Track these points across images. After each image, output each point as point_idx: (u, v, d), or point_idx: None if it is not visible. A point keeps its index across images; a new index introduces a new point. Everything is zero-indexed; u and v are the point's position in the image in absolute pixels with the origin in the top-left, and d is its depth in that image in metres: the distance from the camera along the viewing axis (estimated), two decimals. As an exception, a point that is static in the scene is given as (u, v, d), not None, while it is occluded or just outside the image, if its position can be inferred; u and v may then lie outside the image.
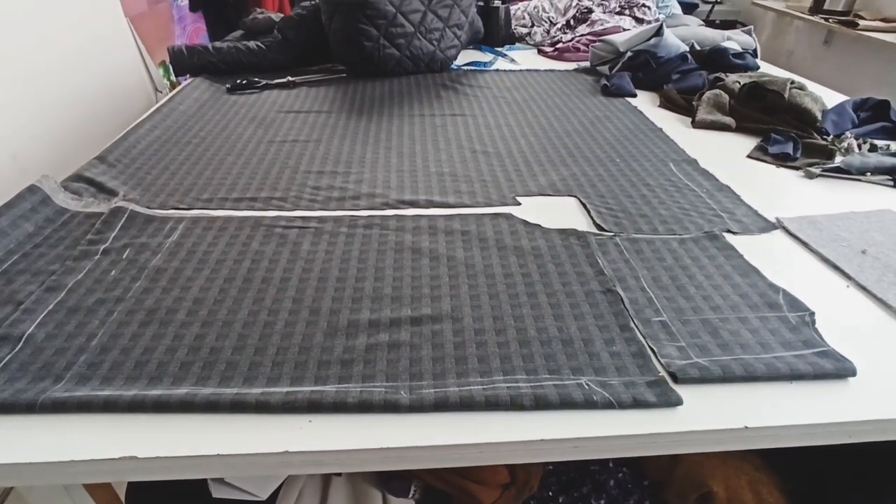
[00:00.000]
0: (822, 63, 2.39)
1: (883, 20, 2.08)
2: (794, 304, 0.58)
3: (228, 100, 1.23)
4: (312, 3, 1.45)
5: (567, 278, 0.62)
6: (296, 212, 0.77)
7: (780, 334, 0.54)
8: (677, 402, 0.46)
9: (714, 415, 0.46)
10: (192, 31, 2.60)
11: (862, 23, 2.06)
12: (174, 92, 1.25)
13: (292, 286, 0.61)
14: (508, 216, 0.74)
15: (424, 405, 0.46)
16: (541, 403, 0.46)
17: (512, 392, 0.47)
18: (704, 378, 0.48)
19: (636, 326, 0.55)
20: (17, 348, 0.52)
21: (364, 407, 0.46)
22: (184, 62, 1.38)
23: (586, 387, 0.48)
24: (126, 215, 0.73)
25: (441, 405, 0.46)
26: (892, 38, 1.95)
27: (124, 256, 0.66)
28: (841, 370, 0.49)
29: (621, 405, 0.46)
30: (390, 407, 0.46)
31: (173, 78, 1.84)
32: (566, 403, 0.46)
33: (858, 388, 0.49)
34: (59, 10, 1.43)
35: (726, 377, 0.48)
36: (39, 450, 0.43)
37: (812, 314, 0.56)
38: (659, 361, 0.51)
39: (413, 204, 0.78)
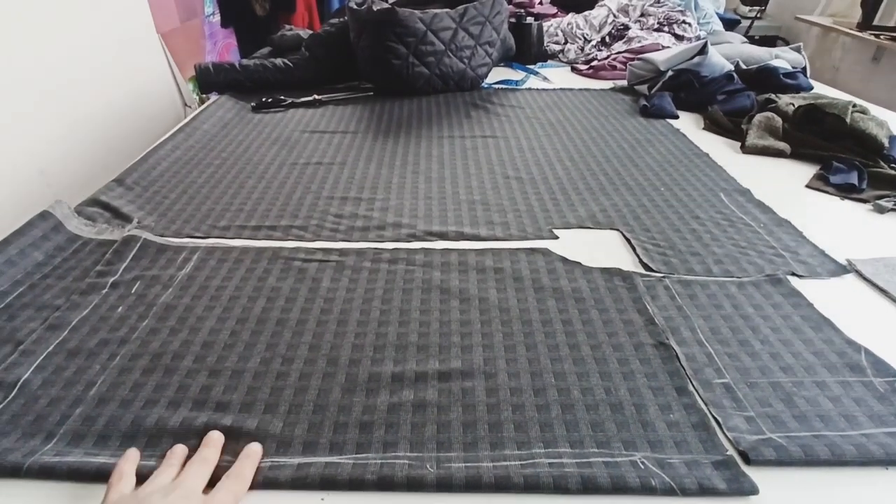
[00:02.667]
0: (871, 81, 2.27)
1: (938, 36, 1.96)
2: (880, 366, 0.50)
3: (253, 119, 1.20)
4: (341, 20, 1.42)
5: (613, 327, 0.56)
6: (316, 242, 0.72)
7: (867, 405, 0.46)
8: (751, 490, 0.39)
9: (798, 508, 0.39)
10: (223, 47, 2.62)
11: (916, 39, 1.95)
12: (198, 110, 1.23)
13: (309, 330, 0.56)
14: (545, 252, 0.68)
15: (454, 484, 0.40)
16: (589, 487, 0.40)
17: (555, 471, 0.40)
18: (782, 460, 0.41)
19: (696, 390, 0.48)
20: (10, 397, 0.48)
21: (384, 484, 0.40)
22: (210, 79, 1.36)
23: (641, 466, 0.41)
24: (139, 245, 0.69)
25: (473, 485, 0.40)
26: (950, 55, 1.83)
27: (133, 291, 0.62)
28: None
29: (684, 492, 0.39)
30: (415, 485, 0.40)
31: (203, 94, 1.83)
32: (619, 488, 0.39)
33: (971, 479, 0.41)
34: (90, 26, 1.43)
35: (809, 460, 0.41)
36: (19, 526, 0.38)
37: None
38: (725, 436, 0.44)
39: (442, 236, 0.72)
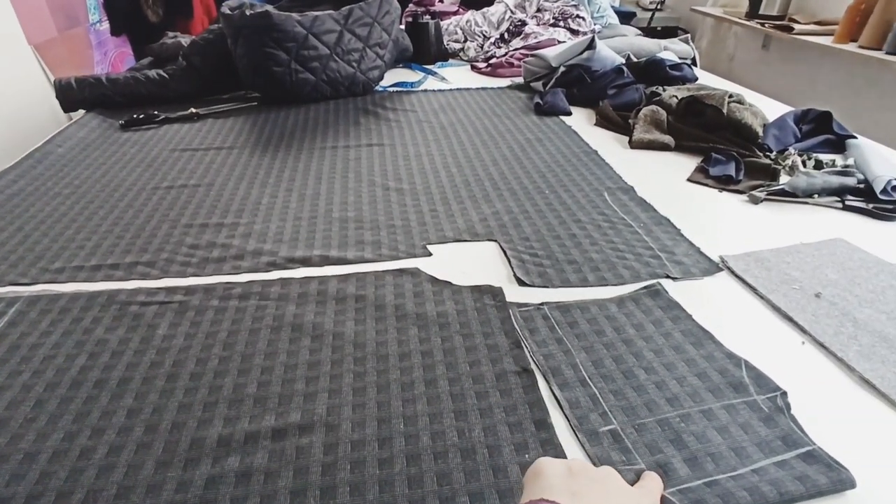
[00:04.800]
0: (762, 67, 2.38)
1: (817, 23, 2.08)
2: (761, 381, 0.48)
3: (120, 138, 1.09)
4: (220, 25, 1.33)
5: (476, 355, 0.51)
6: (162, 280, 0.64)
7: (754, 430, 0.43)
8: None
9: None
10: (116, 57, 2.43)
11: (797, 27, 2.05)
12: (56, 131, 1.11)
13: (131, 391, 0.48)
14: (415, 272, 0.63)
15: (267, 574, 0.34)
16: (423, 557, 0.35)
17: (386, 543, 0.35)
18: (672, 522, 0.37)
19: (582, 445, 0.43)
20: None
21: (182, 586, 0.34)
22: (73, 96, 1.23)
23: (486, 523, 0.37)
24: (-60, 300, 0.59)
25: (289, 573, 0.34)
26: (827, 40, 1.94)
27: (-77, 360, 0.52)
28: (837, 484, 0.39)
29: (529, 550, 0.35)
30: (219, 581, 0.34)
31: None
32: (457, 555, 0.35)
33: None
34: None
35: None
36: None
37: (784, 394, 0.46)
38: None
39: (305, 262, 0.66)
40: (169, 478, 0.41)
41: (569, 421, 0.45)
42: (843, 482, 0.39)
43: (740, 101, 0.96)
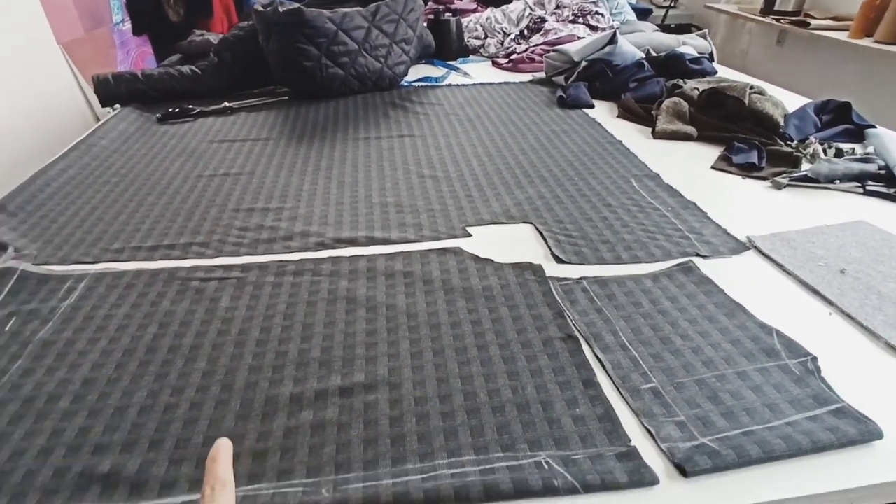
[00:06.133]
0: (777, 63, 2.40)
1: (833, 19, 2.09)
2: (793, 347, 0.51)
3: (158, 130, 1.13)
4: (250, 22, 1.37)
5: (522, 324, 0.55)
6: (218, 259, 0.68)
7: (786, 390, 0.47)
8: (652, 481, 0.39)
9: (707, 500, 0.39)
10: (138, 56, 2.48)
11: (813, 22, 2.07)
12: (97, 124, 1.15)
13: (203, 355, 0.52)
14: (457, 251, 0.67)
15: (350, 507, 0.38)
16: (491, 494, 0.38)
17: (456, 482, 0.39)
18: (718, 467, 0.40)
19: (625, 399, 0.46)
20: None
21: (275, 517, 0.37)
22: (110, 91, 1.27)
23: (545, 466, 0.40)
24: (15, 277, 0.63)
25: (370, 506, 0.38)
26: (843, 36, 1.96)
27: (7, 329, 0.56)
28: (865, 434, 0.42)
29: (587, 488, 0.39)
30: (308, 513, 0.37)
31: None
32: (522, 492, 0.38)
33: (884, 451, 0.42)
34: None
35: (742, 461, 0.40)
36: None
37: (815, 359, 0.49)
38: (659, 447, 0.42)
39: (351, 242, 0.70)
40: (250, 429, 0.44)
41: (612, 380, 0.48)
42: (871, 433, 0.42)
43: (761, 93, 0.99)
